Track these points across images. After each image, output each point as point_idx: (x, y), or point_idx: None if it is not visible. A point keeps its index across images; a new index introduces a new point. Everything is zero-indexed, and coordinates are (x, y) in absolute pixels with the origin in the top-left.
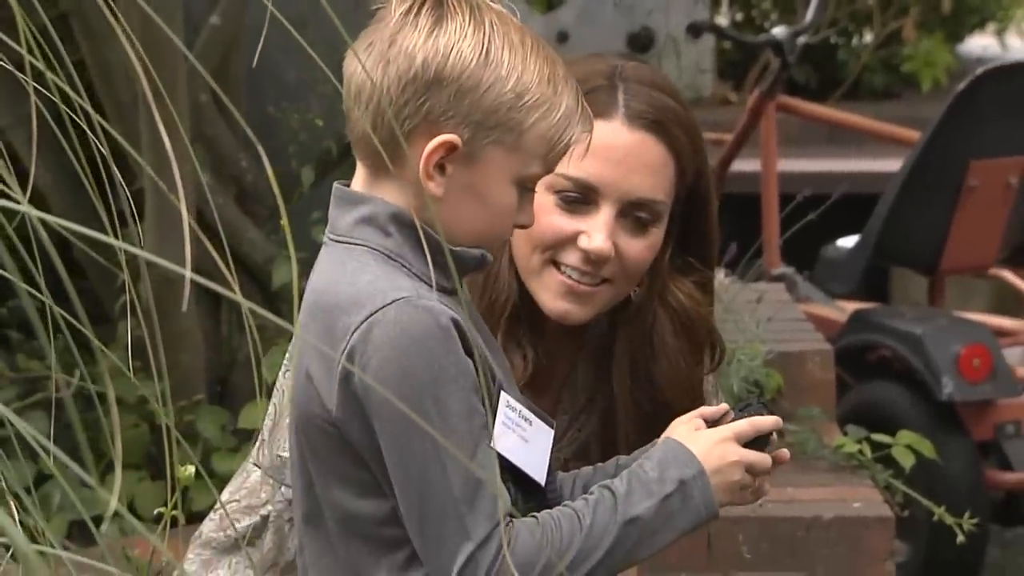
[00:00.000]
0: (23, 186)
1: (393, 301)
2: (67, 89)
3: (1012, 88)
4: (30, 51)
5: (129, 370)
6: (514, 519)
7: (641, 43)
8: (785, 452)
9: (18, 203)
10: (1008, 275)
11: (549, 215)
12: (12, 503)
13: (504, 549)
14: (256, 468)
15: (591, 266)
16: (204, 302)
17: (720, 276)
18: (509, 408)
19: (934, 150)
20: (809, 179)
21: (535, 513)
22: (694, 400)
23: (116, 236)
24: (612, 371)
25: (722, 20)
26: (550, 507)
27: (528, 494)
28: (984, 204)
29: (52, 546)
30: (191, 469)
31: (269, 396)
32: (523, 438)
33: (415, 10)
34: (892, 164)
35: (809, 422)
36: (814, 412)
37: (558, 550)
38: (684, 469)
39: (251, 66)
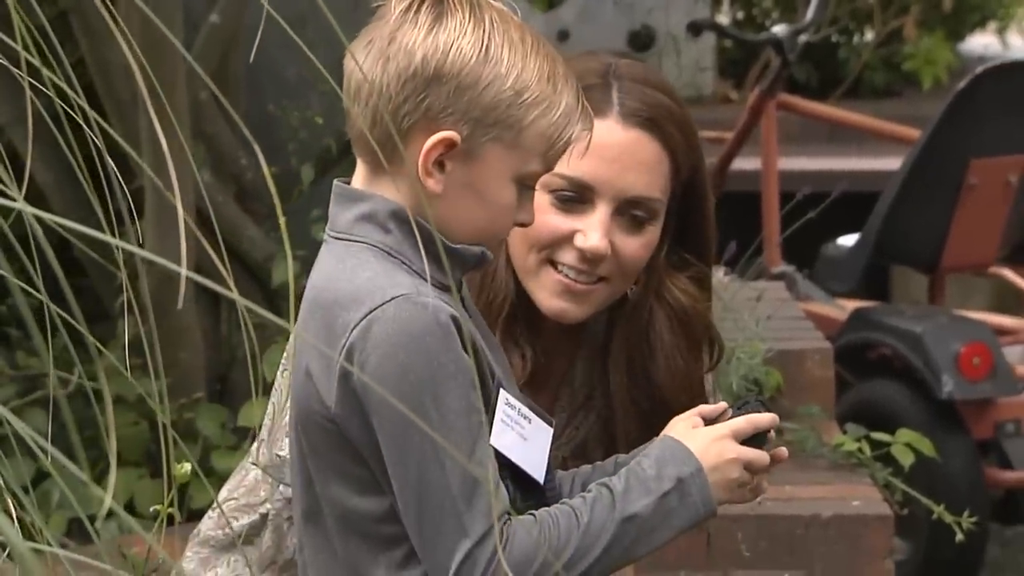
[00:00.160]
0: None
1: (392, 298)
2: (63, 86)
3: (1012, 86)
4: (25, 47)
5: (127, 368)
6: (512, 517)
7: (642, 41)
8: (783, 450)
9: (14, 200)
10: (1008, 273)
11: (545, 214)
12: (10, 501)
13: (500, 547)
14: (255, 466)
15: (587, 264)
16: (204, 300)
17: (720, 274)
18: (508, 406)
19: (934, 148)
20: (810, 177)
21: (533, 511)
22: (692, 397)
23: (114, 234)
24: (609, 369)
25: (723, 18)
26: (549, 505)
27: (527, 492)
28: (984, 202)
29: (49, 544)
30: (187, 467)
31: (268, 394)
32: (522, 436)
33: (415, 7)
34: (893, 162)
35: (808, 420)
36: (813, 410)
37: (555, 548)
38: (682, 467)
39: (251, 64)
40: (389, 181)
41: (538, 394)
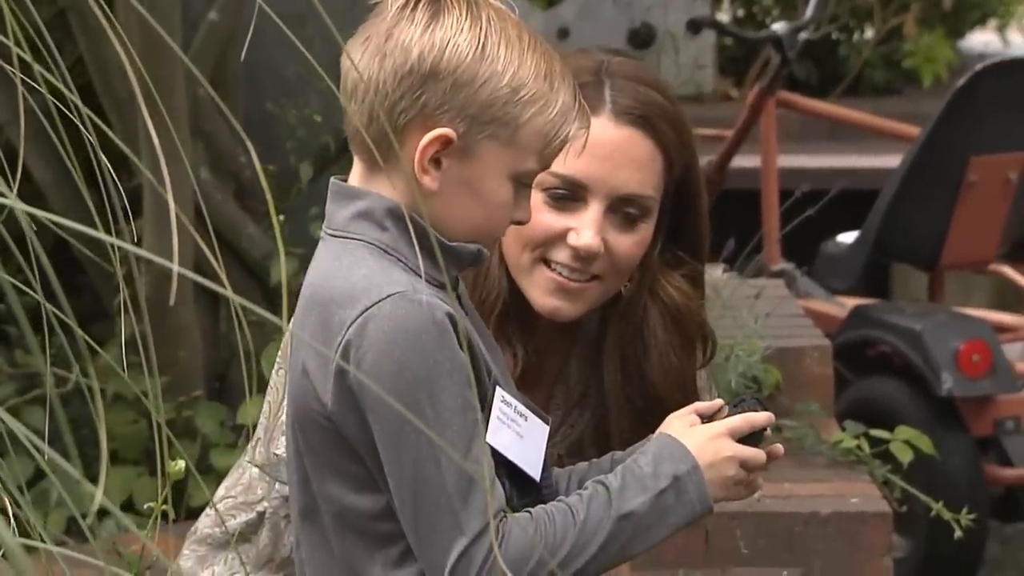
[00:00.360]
0: (25, 181)
1: (388, 296)
2: (58, 84)
3: (1011, 84)
4: (18, 44)
5: (123, 367)
6: (507, 514)
7: (641, 39)
8: (779, 447)
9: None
10: (1008, 271)
11: (538, 212)
12: (7, 500)
13: (496, 545)
14: (252, 465)
15: (580, 262)
16: (203, 298)
17: (719, 272)
18: (504, 403)
19: (934, 146)
20: (810, 175)
21: (529, 508)
22: (686, 394)
23: (110, 232)
24: (603, 366)
25: (724, 16)
26: (545, 503)
27: (523, 490)
28: (984, 200)
29: (43, 541)
30: (181, 464)
31: (264, 393)
32: (518, 433)
33: (412, 5)
34: (893, 160)
35: (807, 418)
36: (812, 408)
37: (552, 545)
38: (678, 464)
39: (250, 62)
40: (386, 178)
41: (533, 392)
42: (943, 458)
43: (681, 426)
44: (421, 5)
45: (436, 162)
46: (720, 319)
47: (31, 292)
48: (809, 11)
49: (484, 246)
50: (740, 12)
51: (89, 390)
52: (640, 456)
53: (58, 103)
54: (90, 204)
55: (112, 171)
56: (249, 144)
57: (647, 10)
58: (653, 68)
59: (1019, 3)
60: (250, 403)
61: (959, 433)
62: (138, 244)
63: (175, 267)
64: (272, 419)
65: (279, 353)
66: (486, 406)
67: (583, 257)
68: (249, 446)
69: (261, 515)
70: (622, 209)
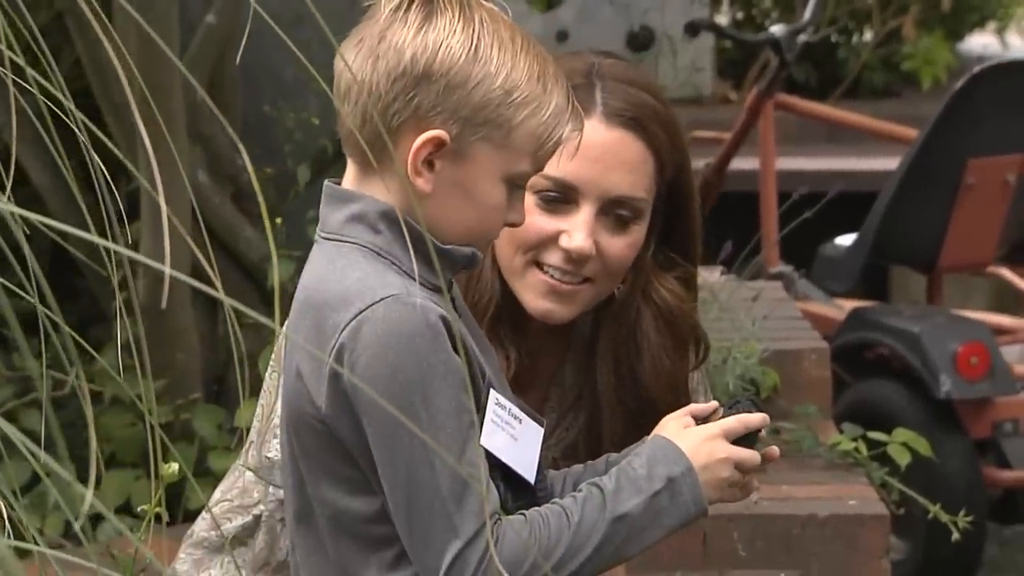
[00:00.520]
0: (22, 183)
1: (382, 299)
2: (52, 89)
3: (1009, 86)
4: (10, 47)
5: (119, 370)
6: (502, 517)
7: (640, 42)
8: (775, 449)
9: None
10: (1006, 273)
11: (530, 215)
12: (1, 503)
13: (492, 547)
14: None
15: (573, 265)
16: (201, 301)
17: (716, 274)
18: (498, 406)
19: (932, 148)
20: (808, 177)
21: (523, 511)
22: (678, 396)
23: (105, 235)
24: (596, 368)
25: (722, 19)
26: (540, 505)
27: (518, 492)
28: (982, 202)
29: (36, 543)
30: (175, 466)
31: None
32: (512, 436)
33: (405, 7)
34: (891, 162)
35: (805, 420)
36: (810, 410)
37: (546, 547)
38: (673, 466)
39: (248, 64)
40: (379, 181)
41: (527, 394)
42: (941, 460)
43: (675, 428)
44: (414, 7)
45: (429, 164)
46: (718, 321)
47: (24, 295)
48: (807, 13)
49: (478, 248)
50: (739, 15)
51: (91, 393)
52: (634, 458)
53: (53, 107)
54: (83, 207)
55: (111, 174)
56: (242, 148)
57: (644, 13)
58: (645, 70)
59: (1018, 5)
60: (245, 406)
61: (957, 435)
62: (136, 247)
63: (167, 270)
64: (264, 422)
65: (272, 356)
66: (480, 409)
67: (575, 260)
68: (243, 450)
69: (257, 518)
70: (614, 211)
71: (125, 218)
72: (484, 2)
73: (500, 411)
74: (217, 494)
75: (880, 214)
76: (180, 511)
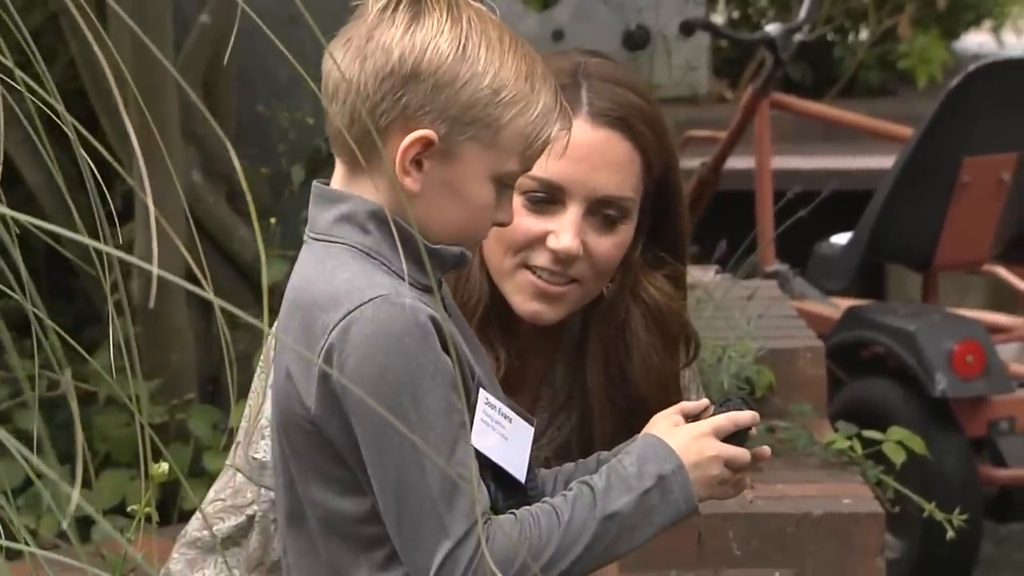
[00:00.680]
0: (18, 184)
1: (371, 299)
2: (42, 92)
3: (1004, 84)
4: None
5: (112, 371)
6: (492, 516)
7: (636, 41)
8: (766, 449)
9: None
10: (1002, 271)
11: (517, 216)
12: None
13: (483, 547)
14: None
15: (560, 265)
16: (196, 301)
17: (711, 274)
18: (488, 405)
19: (927, 147)
20: (804, 176)
21: (514, 510)
22: (668, 395)
23: (97, 236)
24: (586, 367)
25: (718, 18)
26: (531, 505)
27: (508, 492)
28: (977, 200)
29: (28, 544)
30: (165, 467)
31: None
32: (503, 436)
33: (393, 6)
34: (888, 161)
35: (800, 418)
36: (805, 408)
37: (536, 547)
38: (663, 464)
39: (243, 64)
40: (368, 181)
41: (518, 395)
42: (937, 459)
43: (666, 426)
44: (402, 7)
45: (417, 164)
46: (713, 320)
47: (14, 295)
48: (803, 12)
49: (466, 248)
50: (735, 13)
51: (87, 394)
52: (625, 456)
53: (44, 108)
54: (72, 208)
55: (105, 175)
56: (231, 148)
57: (639, 12)
58: (630, 70)
59: (1013, 3)
60: (236, 407)
61: (953, 434)
62: (130, 247)
63: (155, 270)
64: (252, 423)
65: (261, 357)
66: (470, 408)
67: (563, 260)
68: (231, 450)
69: (251, 518)
70: (601, 211)
71: (117, 219)
72: (472, 2)
73: (490, 411)
74: (211, 494)
75: (875, 212)
76: (175, 511)
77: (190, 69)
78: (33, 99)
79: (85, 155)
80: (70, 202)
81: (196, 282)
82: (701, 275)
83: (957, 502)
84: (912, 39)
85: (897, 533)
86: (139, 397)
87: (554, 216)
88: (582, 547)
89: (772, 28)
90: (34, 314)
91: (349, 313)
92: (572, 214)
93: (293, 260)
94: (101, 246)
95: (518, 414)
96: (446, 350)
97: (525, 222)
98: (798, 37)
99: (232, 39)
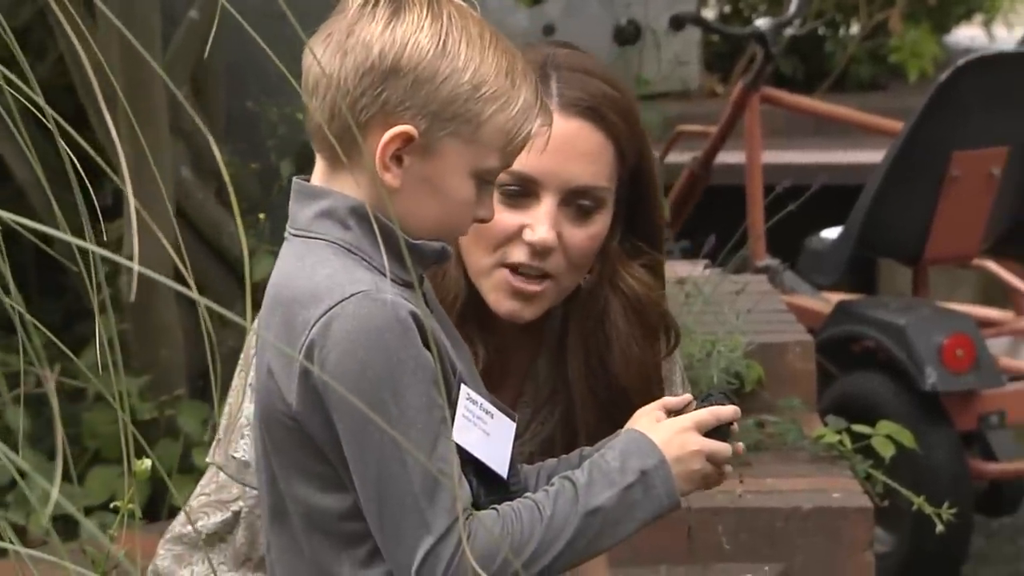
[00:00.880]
0: (7, 181)
1: (352, 295)
2: (21, 84)
3: (994, 78)
4: None
5: (99, 366)
6: (474, 512)
7: (626, 36)
8: (740, 445)
9: None
10: (992, 265)
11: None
12: None
13: (464, 542)
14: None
15: (537, 259)
16: (185, 298)
17: (700, 268)
18: (470, 401)
19: (916, 141)
20: (796, 171)
21: (496, 506)
22: (650, 385)
23: (84, 233)
24: (567, 359)
25: (709, 12)
26: (513, 500)
27: (491, 487)
28: (967, 194)
29: (11, 542)
30: (148, 463)
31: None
32: (484, 431)
33: (373, 2)
34: (880, 155)
35: (790, 413)
36: (795, 403)
37: (518, 542)
38: (645, 459)
39: (232, 60)
40: (348, 177)
41: (501, 390)
42: (927, 453)
43: (648, 421)
44: (382, 2)
45: (398, 159)
46: (702, 315)
47: (7, 298)
48: (793, 7)
49: (447, 244)
50: (726, 8)
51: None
52: (607, 451)
53: (29, 104)
54: (55, 206)
55: (97, 171)
56: (214, 144)
57: (628, 6)
58: (621, 65)
59: None
60: (220, 404)
61: (943, 428)
62: (119, 243)
63: (135, 266)
64: (232, 421)
65: (241, 355)
66: (451, 404)
67: (539, 252)
68: (211, 447)
69: (236, 514)
70: (575, 201)
71: (108, 214)
72: None
73: (471, 406)
74: (197, 489)
75: (865, 207)
76: (164, 507)
77: (178, 65)
78: (16, 95)
79: (69, 151)
80: (52, 199)
81: (185, 279)
82: (690, 269)
83: (947, 496)
84: (903, 33)
85: (888, 527)
86: (123, 394)
87: (529, 209)
88: (564, 542)
89: (762, 22)
90: (18, 312)
91: (330, 309)
92: (547, 206)
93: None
94: (85, 244)
95: (500, 410)
96: (427, 346)
97: (500, 217)
98: (789, 31)
99: (219, 35)
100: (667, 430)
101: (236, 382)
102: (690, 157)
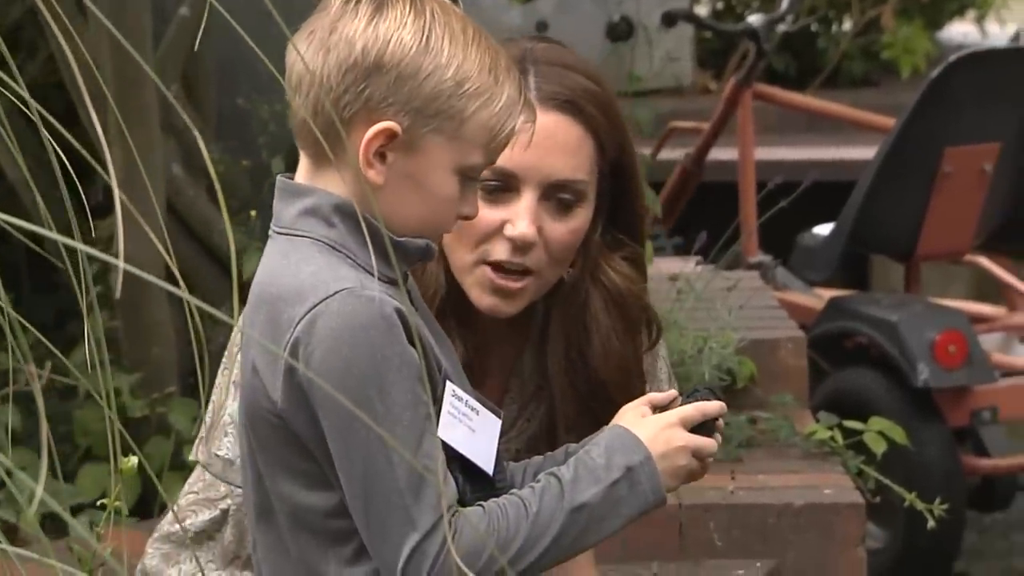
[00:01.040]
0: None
1: (336, 292)
2: (9, 80)
3: (986, 74)
4: None
5: (88, 364)
6: (460, 509)
7: (619, 32)
8: (712, 441)
9: None
10: (984, 261)
11: None
12: None
13: (450, 539)
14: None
15: (519, 254)
16: (176, 295)
17: (692, 264)
18: (455, 398)
19: (909, 137)
20: (788, 167)
21: (482, 502)
22: (630, 379)
23: (82, 231)
24: (548, 353)
25: (702, 9)
26: (499, 497)
27: (476, 484)
28: (959, 190)
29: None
30: (134, 460)
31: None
32: (470, 428)
33: None
34: (872, 152)
35: (782, 409)
36: (787, 399)
37: (504, 539)
38: (631, 455)
39: (224, 57)
40: (331, 174)
41: (483, 387)
42: (920, 449)
43: (633, 417)
44: None
45: (381, 156)
46: (694, 311)
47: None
48: (785, 3)
49: (431, 241)
50: (719, 4)
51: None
52: (592, 447)
53: (16, 101)
54: (41, 204)
55: (89, 168)
56: (201, 142)
57: (619, 3)
58: (613, 61)
59: None
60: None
61: (936, 424)
62: (110, 241)
63: (121, 264)
64: (214, 419)
65: (225, 353)
66: (437, 401)
67: (520, 247)
68: (193, 446)
69: (225, 512)
70: (555, 195)
71: (100, 212)
72: None
73: (457, 403)
74: (185, 487)
75: (857, 203)
76: (156, 505)
77: (170, 62)
78: (4, 92)
79: (58, 148)
80: (39, 197)
81: (176, 275)
82: (683, 266)
83: (940, 492)
84: (896, 29)
85: (880, 523)
86: (110, 392)
87: (509, 204)
88: (550, 539)
89: (755, 19)
90: (8, 312)
91: (315, 306)
92: (527, 200)
93: None
94: (72, 242)
95: (485, 406)
96: (412, 343)
97: (480, 213)
98: (781, 28)
99: (210, 32)
100: (652, 426)
101: (219, 379)
102: (683, 153)
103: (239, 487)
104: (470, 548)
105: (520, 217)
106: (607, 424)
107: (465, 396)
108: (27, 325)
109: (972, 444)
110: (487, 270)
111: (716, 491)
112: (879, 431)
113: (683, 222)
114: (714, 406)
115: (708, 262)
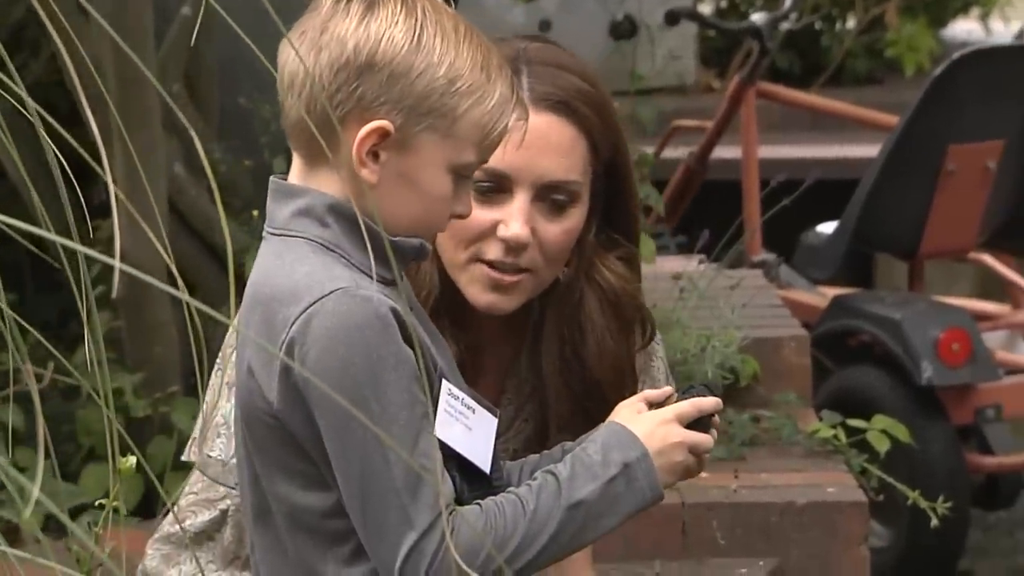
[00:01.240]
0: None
1: (331, 292)
2: (8, 82)
3: (989, 72)
4: None
5: (88, 364)
6: (457, 508)
7: (622, 31)
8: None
9: None
10: (988, 259)
11: None
12: None
13: (447, 537)
14: (200, 463)
15: (512, 255)
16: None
17: (695, 263)
18: (451, 396)
19: (912, 135)
20: (792, 165)
21: (479, 501)
22: (623, 378)
23: (82, 231)
24: (542, 352)
25: (705, 7)
26: (496, 495)
27: (473, 483)
28: (963, 188)
29: None
30: (132, 460)
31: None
32: (466, 427)
33: None
34: (876, 150)
35: (785, 407)
36: (790, 398)
37: (502, 537)
38: (628, 452)
39: (226, 56)
40: (325, 174)
41: (479, 388)
42: (924, 447)
43: (629, 414)
44: None
45: (374, 155)
46: (697, 310)
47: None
48: (788, 1)
49: (425, 240)
50: (723, 2)
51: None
52: (589, 444)
53: (14, 102)
54: (39, 205)
55: (87, 169)
56: (198, 142)
57: (622, 2)
58: (616, 59)
59: None
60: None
61: (939, 422)
62: (111, 241)
63: (117, 264)
64: (208, 419)
65: (220, 354)
66: (433, 400)
67: (513, 248)
68: (187, 447)
69: (224, 512)
70: (549, 196)
71: (96, 212)
72: None
73: (453, 401)
74: (185, 487)
75: (861, 201)
76: (159, 505)
77: (172, 61)
78: (3, 93)
79: (55, 148)
80: (36, 197)
81: (179, 275)
82: (686, 264)
83: (943, 490)
84: (899, 27)
85: (884, 522)
86: (109, 392)
87: (502, 205)
88: (548, 536)
89: (758, 17)
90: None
91: (310, 306)
92: (520, 201)
93: None
94: (70, 243)
95: (481, 405)
96: (408, 342)
97: (474, 213)
98: (785, 26)
99: (212, 31)
100: (649, 422)
101: (213, 380)
102: (686, 152)
103: (232, 488)
104: (468, 547)
105: (513, 218)
106: (601, 423)
107: (461, 395)
108: (27, 326)
109: (976, 442)
110: (482, 266)
111: (719, 490)
112: (882, 429)
113: (687, 220)
114: (710, 402)
115: (711, 260)
